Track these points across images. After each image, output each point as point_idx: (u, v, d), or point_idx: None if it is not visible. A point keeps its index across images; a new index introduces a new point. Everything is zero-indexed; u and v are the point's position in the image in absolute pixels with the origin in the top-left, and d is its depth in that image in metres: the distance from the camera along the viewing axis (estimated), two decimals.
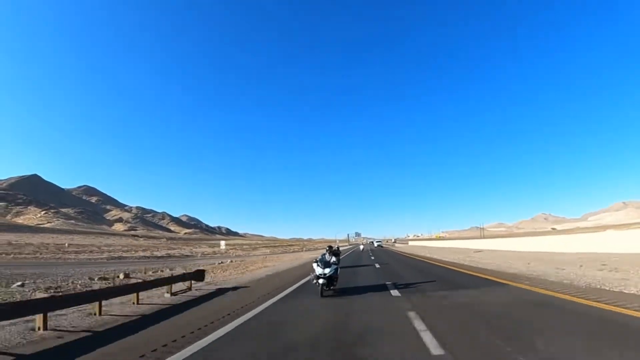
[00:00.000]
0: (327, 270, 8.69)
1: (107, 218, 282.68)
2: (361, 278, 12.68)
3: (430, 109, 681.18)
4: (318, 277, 8.73)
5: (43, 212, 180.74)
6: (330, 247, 10.53)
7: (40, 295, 8.88)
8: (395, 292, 8.56)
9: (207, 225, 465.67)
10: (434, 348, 3.91)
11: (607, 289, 7.42)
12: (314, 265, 9.16)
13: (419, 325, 4.98)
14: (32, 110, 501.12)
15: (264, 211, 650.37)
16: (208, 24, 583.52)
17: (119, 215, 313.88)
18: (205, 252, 56.64)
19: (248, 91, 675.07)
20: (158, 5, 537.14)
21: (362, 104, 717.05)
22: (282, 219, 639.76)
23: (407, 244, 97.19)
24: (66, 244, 36.12)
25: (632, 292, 6.91)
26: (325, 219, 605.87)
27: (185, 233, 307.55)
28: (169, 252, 57.58)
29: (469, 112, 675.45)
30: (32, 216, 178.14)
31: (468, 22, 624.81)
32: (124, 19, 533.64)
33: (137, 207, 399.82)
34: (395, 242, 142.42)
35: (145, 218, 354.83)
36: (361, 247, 59.86)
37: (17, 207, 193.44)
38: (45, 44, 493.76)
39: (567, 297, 6.74)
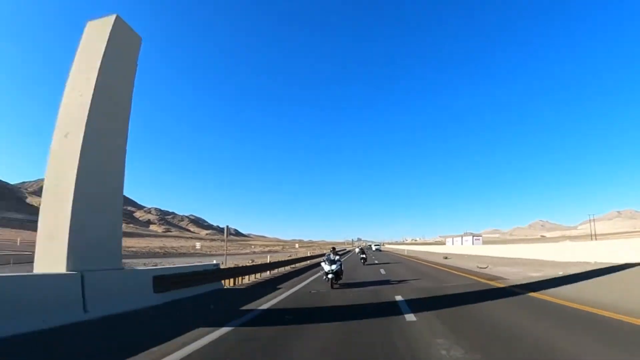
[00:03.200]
0: (333, 267, 10.96)
1: (140, 219, 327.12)
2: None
3: (430, 113, 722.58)
4: (327, 273, 11.01)
5: None
6: (334, 248, 13.89)
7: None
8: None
9: (218, 226, 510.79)
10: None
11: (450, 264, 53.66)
12: (322, 264, 11.51)
13: (374, 256, 51.29)
14: (47, 111, 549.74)
15: (262, 212, 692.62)
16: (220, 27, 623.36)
17: (146, 217, 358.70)
18: (284, 250, 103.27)
19: (245, 91, 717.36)
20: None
21: (362, 108, 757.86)
22: (281, 220, 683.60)
23: (385, 246, 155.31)
24: (198, 245, 75.63)
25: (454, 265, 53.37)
26: (325, 222, 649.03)
27: (207, 234, 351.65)
28: (261, 249, 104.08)
29: (470, 117, 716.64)
30: None
31: (466, 25, 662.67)
32: (145, 25, 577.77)
33: (155, 208, 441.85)
34: (383, 245, 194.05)
35: (167, 219, 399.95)
36: (357, 250, 71.26)
37: None
38: (56, 47, 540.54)
39: (415, 260, 53.08)
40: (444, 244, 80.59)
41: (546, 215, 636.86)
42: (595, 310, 6.03)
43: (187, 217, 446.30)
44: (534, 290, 8.68)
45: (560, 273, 12.39)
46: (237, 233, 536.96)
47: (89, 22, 7.34)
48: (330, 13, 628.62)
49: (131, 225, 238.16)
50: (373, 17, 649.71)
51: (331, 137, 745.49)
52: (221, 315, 6.57)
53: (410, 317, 6.09)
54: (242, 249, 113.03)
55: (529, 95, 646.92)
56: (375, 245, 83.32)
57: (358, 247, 66.12)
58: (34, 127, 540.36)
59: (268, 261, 22.88)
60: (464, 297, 8.45)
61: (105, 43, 6.93)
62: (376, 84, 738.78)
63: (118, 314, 6.18)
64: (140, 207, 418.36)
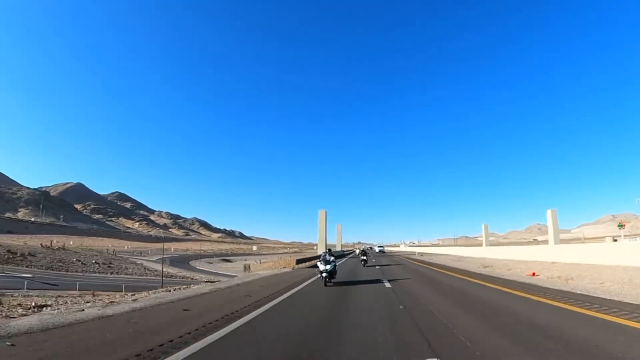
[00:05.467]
0: (328, 267, 12.42)
1: (158, 223, 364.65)
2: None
3: (427, 115, 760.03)
4: (321, 272, 12.47)
5: (137, 223, 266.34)
6: (329, 249, 15.27)
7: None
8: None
9: (225, 229, 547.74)
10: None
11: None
12: (318, 263, 13.00)
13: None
14: (67, 120, 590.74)
15: (260, 214, 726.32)
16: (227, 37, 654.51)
17: (162, 221, 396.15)
18: (303, 251, 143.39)
19: (242, 95, 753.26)
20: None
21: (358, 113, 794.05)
22: (280, 223, 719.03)
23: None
24: (255, 247, 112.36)
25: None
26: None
27: (219, 237, 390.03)
28: (290, 250, 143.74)
29: (469, 119, 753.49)
30: (131, 226, 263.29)
31: (460, 27, 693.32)
32: (157, 35, 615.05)
33: (166, 212, 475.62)
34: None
35: (179, 223, 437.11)
36: (357, 251, 72.94)
37: (111, 217, 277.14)
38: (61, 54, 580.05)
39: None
40: (399, 247, 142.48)
41: (544, 219, 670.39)
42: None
43: (196, 220, 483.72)
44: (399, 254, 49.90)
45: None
46: (242, 235, 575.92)
47: (320, 210, 47.47)
48: (331, 13, 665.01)
49: (161, 230, 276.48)
50: (371, 20, 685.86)
51: (330, 143, 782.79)
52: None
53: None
54: (272, 251, 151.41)
55: (528, 99, 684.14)
56: (378, 247, 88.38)
57: (358, 248, 72.55)
58: (41, 133, 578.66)
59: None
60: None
61: (324, 217, 47.42)
62: (373, 92, 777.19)
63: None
64: (152, 211, 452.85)
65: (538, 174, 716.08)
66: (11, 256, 39.04)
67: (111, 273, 43.93)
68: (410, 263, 29.32)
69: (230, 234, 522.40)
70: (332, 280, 12.80)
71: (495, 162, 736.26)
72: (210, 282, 20.44)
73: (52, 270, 38.04)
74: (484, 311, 6.99)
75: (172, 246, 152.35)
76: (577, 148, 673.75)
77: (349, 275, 16.82)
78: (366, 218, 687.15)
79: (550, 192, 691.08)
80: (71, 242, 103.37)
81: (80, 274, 37.95)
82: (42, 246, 46.83)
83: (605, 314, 6.30)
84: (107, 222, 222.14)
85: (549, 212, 51.62)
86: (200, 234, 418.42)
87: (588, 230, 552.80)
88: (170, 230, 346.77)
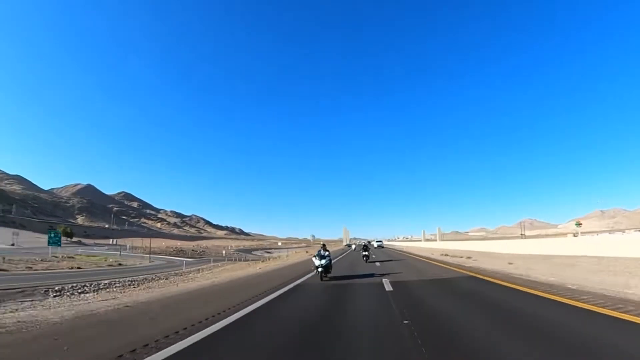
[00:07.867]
0: (323, 262, 13.25)
1: (168, 222, 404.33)
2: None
3: (425, 113, 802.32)
4: (317, 267, 13.30)
5: (159, 223, 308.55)
6: (324, 245, 15.81)
7: None
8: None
9: (226, 226, 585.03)
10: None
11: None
12: (313, 259, 13.82)
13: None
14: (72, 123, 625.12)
15: (254, 211, 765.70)
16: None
17: (173, 220, 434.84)
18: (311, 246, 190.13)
19: (238, 94, 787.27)
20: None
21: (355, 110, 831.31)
22: (275, 219, 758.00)
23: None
24: (280, 243, 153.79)
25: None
26: (320, 221, 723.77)
27: (225, 234, 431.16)
28: (299, 245, 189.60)
29: (464, 116, 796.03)
30: (153, 225, 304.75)
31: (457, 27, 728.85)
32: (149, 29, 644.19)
33: (171, 211, 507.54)
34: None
35: (186, 221, 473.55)
36: (353, 246, 73.61)
37: (133, 218, 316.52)
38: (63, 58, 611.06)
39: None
40: (381, 241, 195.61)
41: (536, 214, 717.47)
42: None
43: (200, 218, 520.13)
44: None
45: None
46: (242, 232, 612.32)
47: (344, 227, 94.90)
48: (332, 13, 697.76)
49: (182, 228, 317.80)
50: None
51: (323, 139, 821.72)
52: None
53: None
54: (289, 246, 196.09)
55: (520, 97, 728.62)
56: (377, 242, 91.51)
57: (354, 243, 74.46)
58: (47, 135, 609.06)
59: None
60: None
61: (346, 229, 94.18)
62: (367, 87, 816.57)
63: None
64: (158, 210, 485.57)
65: (532, 170, 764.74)
66: (196, 252, 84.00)
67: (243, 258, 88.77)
68: (396, 253, 45.05)
69: (233, 230, 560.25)
70: (328, 275, 13.42)
71: (488, 160, 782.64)
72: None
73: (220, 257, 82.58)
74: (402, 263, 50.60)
75: (193, 244, 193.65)
76: (572, 147, 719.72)
77: (349, 270, 18.80)
78: (362, 214, 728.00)
79: (544, 188, 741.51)
80: (158, 243, 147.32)
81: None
82: (194, 247, 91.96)
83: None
84: (142, 224, 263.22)
85: (437, 227, 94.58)
86: (207, 231, 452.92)
87: (572, 226, 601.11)
88: (183, 228, 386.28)
